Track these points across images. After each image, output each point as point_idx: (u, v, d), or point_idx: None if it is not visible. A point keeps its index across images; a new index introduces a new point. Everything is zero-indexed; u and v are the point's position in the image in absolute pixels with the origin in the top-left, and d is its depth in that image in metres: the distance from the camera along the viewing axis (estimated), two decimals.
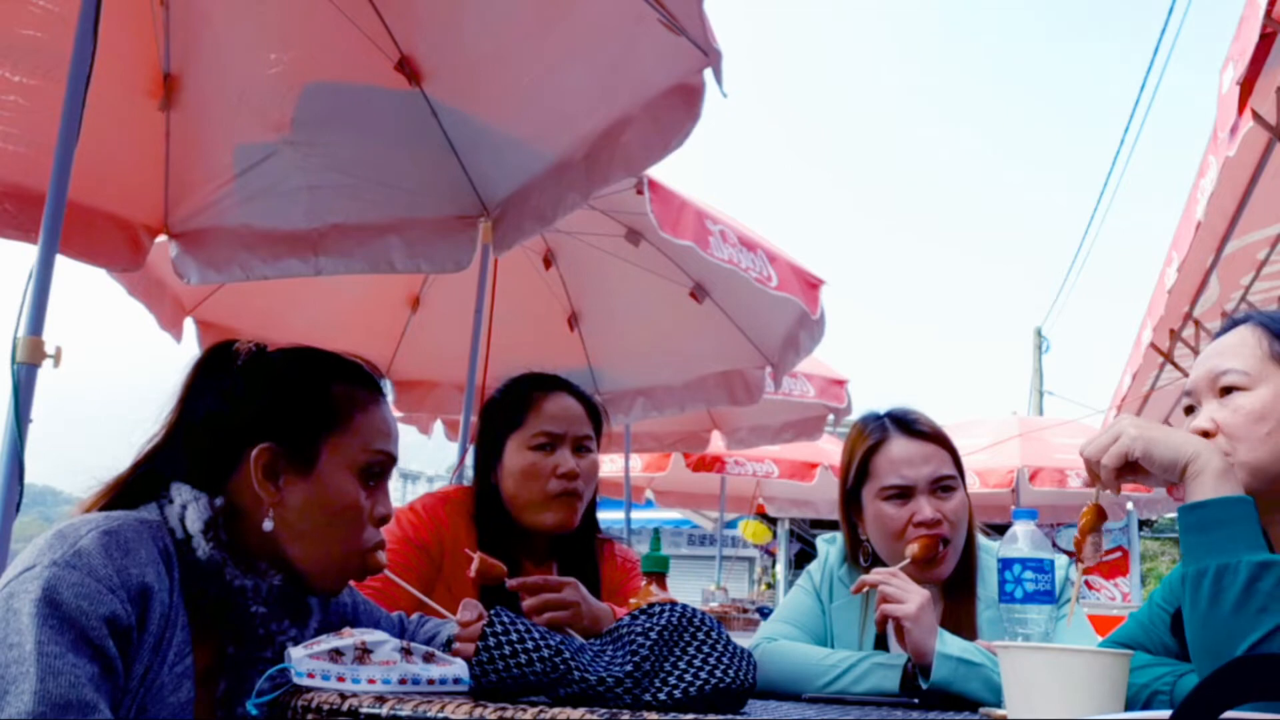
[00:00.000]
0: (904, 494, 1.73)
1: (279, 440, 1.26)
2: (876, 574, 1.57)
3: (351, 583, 1.55)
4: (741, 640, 1.25)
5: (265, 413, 1.27)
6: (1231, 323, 1.35)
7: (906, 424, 1.79)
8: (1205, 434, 1.28)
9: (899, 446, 1.76)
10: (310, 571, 1.27)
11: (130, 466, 1.30)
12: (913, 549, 1.67)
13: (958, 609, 1.74)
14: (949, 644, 1.46)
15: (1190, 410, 1.34)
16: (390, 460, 1.32)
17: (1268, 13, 2.90)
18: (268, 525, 1.24)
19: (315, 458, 1.27)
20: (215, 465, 1.26)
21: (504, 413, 1.95)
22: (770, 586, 15.70)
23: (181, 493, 1.24)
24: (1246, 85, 3.12)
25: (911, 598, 1.50)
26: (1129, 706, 1.23)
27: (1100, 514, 1.33)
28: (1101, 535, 1.35)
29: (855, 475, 1.79)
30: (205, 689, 1.22)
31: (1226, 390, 1.29)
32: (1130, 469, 1.27)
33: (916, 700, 1.49)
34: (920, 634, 1.46)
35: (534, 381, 1.98)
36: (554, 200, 2.78)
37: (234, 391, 1.29)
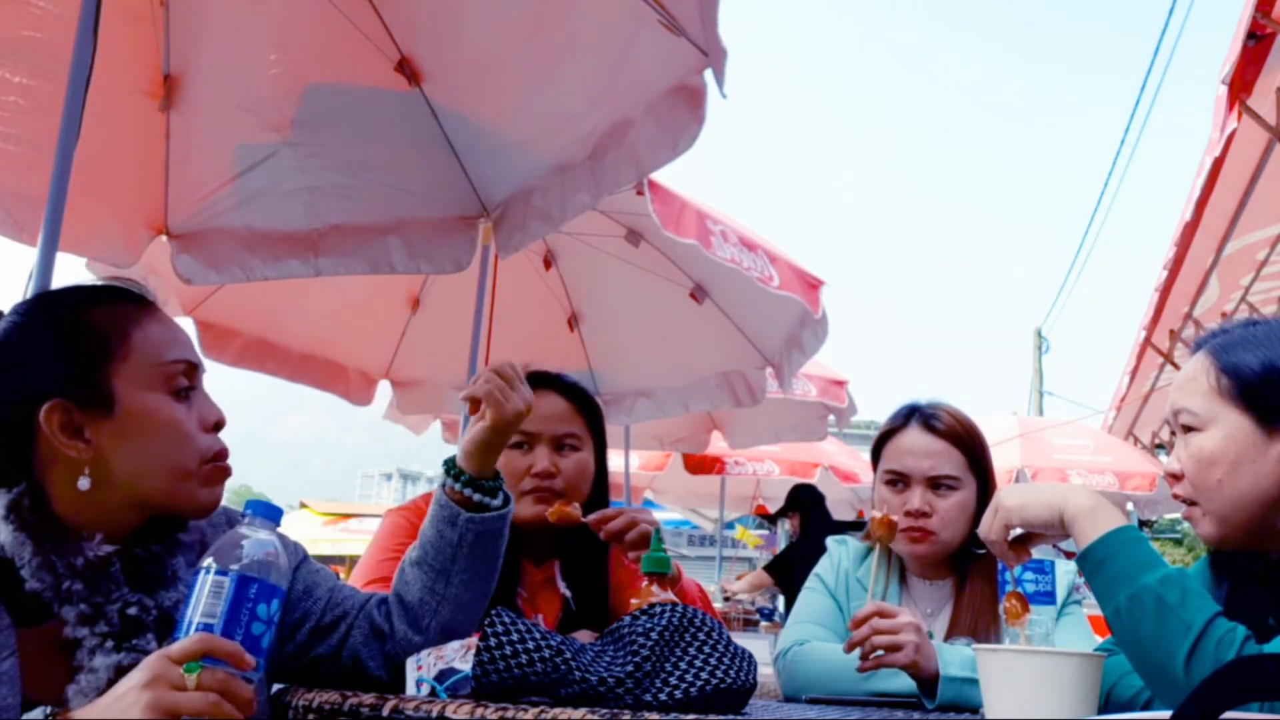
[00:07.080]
0: (901, 481, 1.80)
1: (63, 393, 1.14)
2: (857, 630, 1.50)
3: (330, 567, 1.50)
4: (742, 641, 1.26)
5: (36, 373, 1.16)
6: (1196, 345, 1.31)
7: (926, 417, 1.84)
8: (1175, 477, 1.26)
9: (910, 437, 1.82)
10: (162, 502, 1.19)
11: None
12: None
13: (975, 603, 1.75)
14: (950, 664, 1.45)
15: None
16: (190, 366, 1.21)
17: (1265, 13, 2.91)
18: (83, 484, 1.13)
19: (111, 394, 1.16)
20: (10, 452, 1.16)
21: None
22: None
23: None
24: (1244, 85, 3.13)
25: (904, 640, 1.46)
26: (1129, 707, 1.23)
27: (1021, 598, 1.31)
28: (1027, 625, 1.30)
29: (874, 458, 1.89)
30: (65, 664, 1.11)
31: (1187, 429, 1.25)
32: (1025, 538, 1.29)
33: (916, 700, 1.49)
34: (924, 664, 1.46)
35: None
36: (561, 201, 2.78)
37: None
